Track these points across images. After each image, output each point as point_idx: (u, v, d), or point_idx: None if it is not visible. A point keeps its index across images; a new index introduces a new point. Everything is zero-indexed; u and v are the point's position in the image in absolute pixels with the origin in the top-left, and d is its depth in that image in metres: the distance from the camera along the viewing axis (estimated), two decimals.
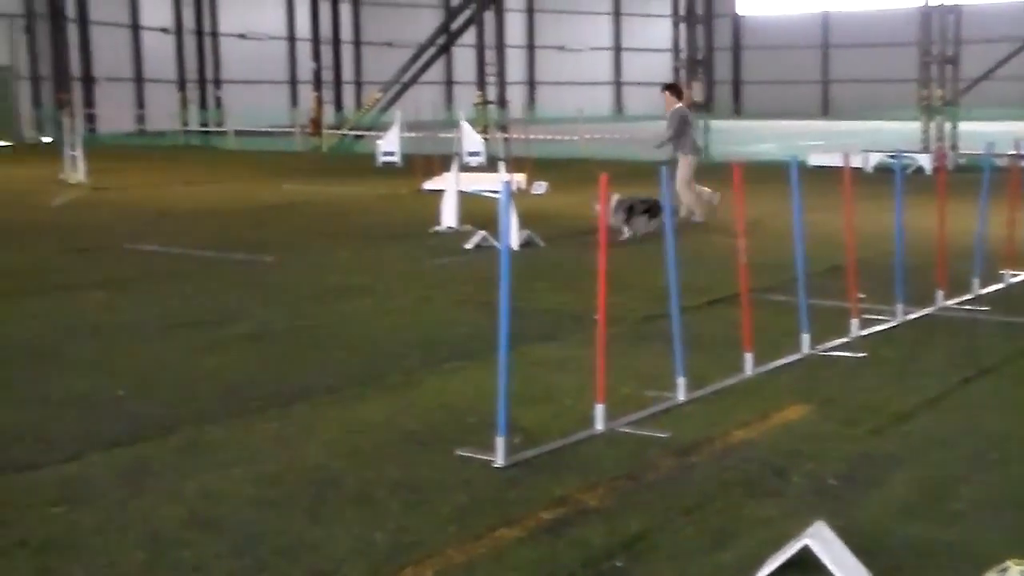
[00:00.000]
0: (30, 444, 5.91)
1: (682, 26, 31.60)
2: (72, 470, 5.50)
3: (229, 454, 5.74)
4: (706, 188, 16.03)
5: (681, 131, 15.96)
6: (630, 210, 13.85)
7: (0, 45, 42.89)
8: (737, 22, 71.22)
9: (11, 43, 43.20)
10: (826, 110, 66.47)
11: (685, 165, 15.77)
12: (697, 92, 31.45)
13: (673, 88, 16.70)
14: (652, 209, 13.76)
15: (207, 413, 6.46)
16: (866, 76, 64.27)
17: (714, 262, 11.65)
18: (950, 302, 9.55)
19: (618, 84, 69.58)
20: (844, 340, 8.21)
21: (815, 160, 25.49)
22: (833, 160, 23.98)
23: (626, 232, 13.77)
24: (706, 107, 33.44)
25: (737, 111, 66.88)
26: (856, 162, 23.32)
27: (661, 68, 59.74)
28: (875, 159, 25.34)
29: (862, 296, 8.84)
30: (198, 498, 5.13)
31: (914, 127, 30.08)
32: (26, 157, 32.55)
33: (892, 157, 24.55)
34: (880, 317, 8.91)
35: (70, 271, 11.84)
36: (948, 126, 27.21)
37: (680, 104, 16.19)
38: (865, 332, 8.44)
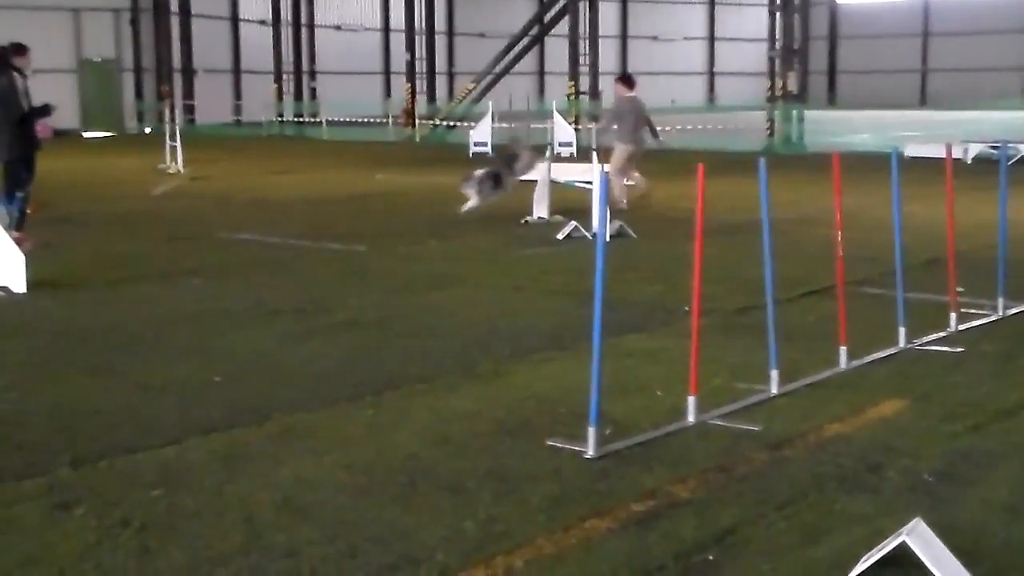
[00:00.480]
0: (131, 428, 6.05)
1: (777, 15, 31.12)
2: (170, 454, 5.62)
3: (322, 441, 5.82)
4: (638, 175, 16.98)
5: (617, 120, 16.92)
6: (493, 178, 15.31)
7: (106, 38, 43.95)
8: (834, 10, 70.06)
9: (117, 36, 44.24)
10: (924, 100, 65.12)
11: (619, 152, 16.66)
12: (792, 82, 31.03)
13: (625, 80, 17.64)
14: (496, 177, 15.40)
15: (300, 400, 6.56)
16: (966, 65, 62.80)
17: (810, 254, 11.50)
18: None
19: (711, 74, 68.91)
20: (942, 334, 8.04)
21: (912, 151, 25.00)
22: (931, 151, 23.47)
23: (471, 200, 15.22)
24: (800, 97, 32.99)
25: (832, 101, 65.84)
26: (956, 153, 22.87)
27: (755, 57, 58.91)
28: (975, 150, 24.77)
29: (961, 290, 8.65)
30: (292, 484, 5.20)
31: (1017, 117, 29.33)
32: (128, 148, 33.31)
33: (994, 147, 23.98)
34: (980, 312, 8.71)
35: (169, 259, 12.09)
36: None
37: (629, 94, 17.08)
38: (964, 326, 8.25)
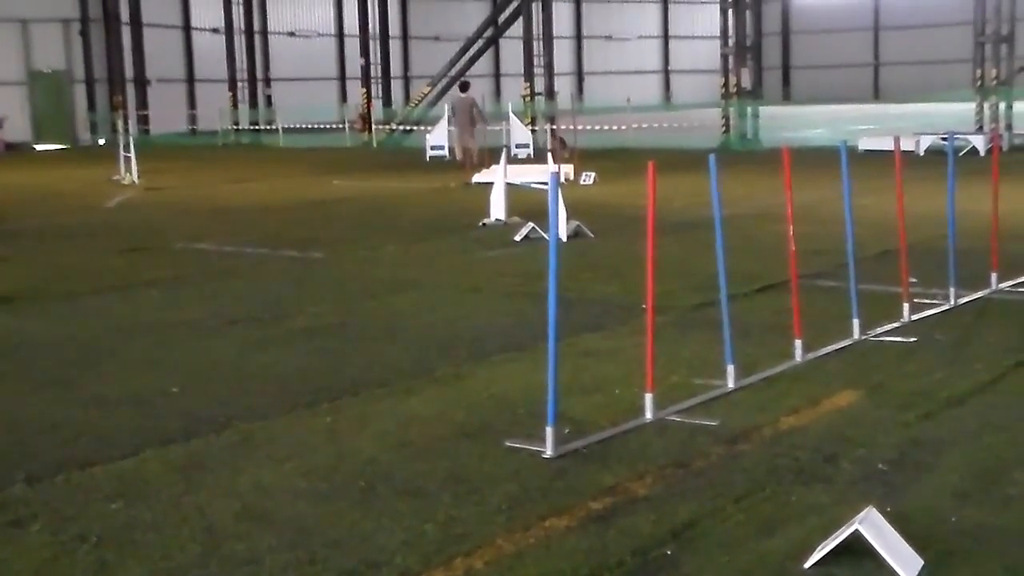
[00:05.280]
0: (87, 442, 6.01)
1: (730, 12, 31.27)
2: (128, 466, 5.59)
3: (281, 449, 5.81)
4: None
5: (466, 114, 25.88)
6: None
7: (55, 49, 43.51)
8: (786, 7, 70.63)
9: (67, 47, 43.83)
10: (877, 94, 65.75)
11: (462, 135, 25.95)
12: (746, 79, 31.23)
13: (464, 86, 27.86)
14: None
15: (259, 408, 6.54)
16: (918, 58, 63.57)
17: (764, 249, 11.59)
18: (1004, 285, 9.43)
19: (666, 72, 69.21)
20: (895, 325, 8.14)
21: (866, 144, 25.26)
22: (884, 144, 23.73)
23: None
24: (754, 93, 33.19)
25: (786, 97, 66.36)
26: (908, 145, 23.15)
27: (709, 55, 59.14)
28: (927, 142, 25.06)
29: (914, 280, 8.76)
30: (251, 492, 5.19)
31: (968, 108, 29.69)
32: (81, 159, 33.01)
33: (944, 139, 24.25)
34: (932, 301, 8.82)
35: (124, 271, 12.01)
36: (1003, 106, 26.83)
37: (463, 95, 26.72)
38: (917, 317, 8.36)
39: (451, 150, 27.10)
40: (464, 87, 27.68)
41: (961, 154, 22.09)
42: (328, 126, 40.25)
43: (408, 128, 37.58)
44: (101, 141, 41.39)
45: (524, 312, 9.03)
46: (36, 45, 42.92)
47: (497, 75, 58.31)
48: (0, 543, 4.69)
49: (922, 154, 24.26)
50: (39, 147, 40.09)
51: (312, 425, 6.22)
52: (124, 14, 43.70)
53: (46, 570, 4.43)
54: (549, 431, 5.57)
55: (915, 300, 8.53)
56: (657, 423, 6.06)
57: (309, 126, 39.65)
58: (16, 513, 5.00)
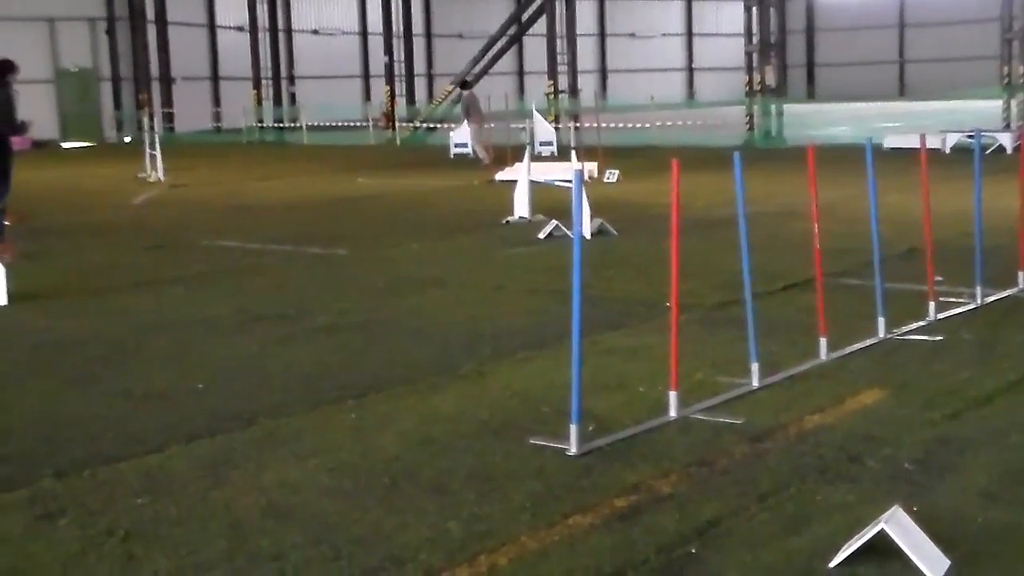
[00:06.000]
0: (114, 437, 6.05)
1: (754, 9, 31.16)
2: (154, 462, 5.63)
3: (306, 445, 5.83)
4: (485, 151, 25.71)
5: (469, 111, 27.14)
6: None
7: (82, 47, 43.79)
8: (810, 4, 70.31)
9: (93, 45, 44.09)
10: (902, 91, 65.38)
11: (474, 131, 26.81)
12: (770, 76, 31.12)
13: (464, 84, 29.79)
14: None
15: (284, 405, 6.57)
16: (944, 55, 63.15)
17: (788, 247, 11.55)
18: None
19: (690, 70, 69.04)
20: (921, 324, 8.09)
21: (891, 142, 25.13)
22: (910, 142, 23.60)
23: None
24: (778, 91, 33.09)
25: (811, 94, 66.08)
26: (934, 143, 23.00)
27: (733, 53, 59.04)
28: (953, 139, 24.88)
29: (940, 279, 8.71)
30: (276, 488, 5.22)
31: (994, 106, 29.50)
32: (108, 157, 33.22)
33: (971, 136, 24.09)
34: (959, 300, 8.77)
35: (150, 268, 12.07)
36: None
37: (466, 93, 28.09)
38: (943, 315, 8.31)
39: (473, 148, 27.21)
40: (465, 84, 29.79)
41: (988, 152, 21.96)
42: (352, 124, 40.36)
43: (432, 126, 37.64)
44: (127, 139, 41.65)
45: (548, 309, 9.03)
46: (63, 44, 43.20)
47: (521, 73, 58.33)
48: (30, 536, 4.74)
49: (948, 152, 24.10)
50: (66, 145, 40.34)
51: (337, 422, 6.24)
52: (150, 12, 43.95)
53: (74, 563, 4.47)
54: (573, 429, 5.57)
55: (941, 299, 8.49)
56: (681, 421, 6.06)
57: (333, 124, 39.76)
58: (45, 507, 5.05)
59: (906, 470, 5.27)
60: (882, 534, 4.20)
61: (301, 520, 4.84)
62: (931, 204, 8.43)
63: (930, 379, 6.81)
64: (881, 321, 7.77)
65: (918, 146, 8.62)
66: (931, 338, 7.76)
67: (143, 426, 6.25)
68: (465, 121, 27.84)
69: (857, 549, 4.23)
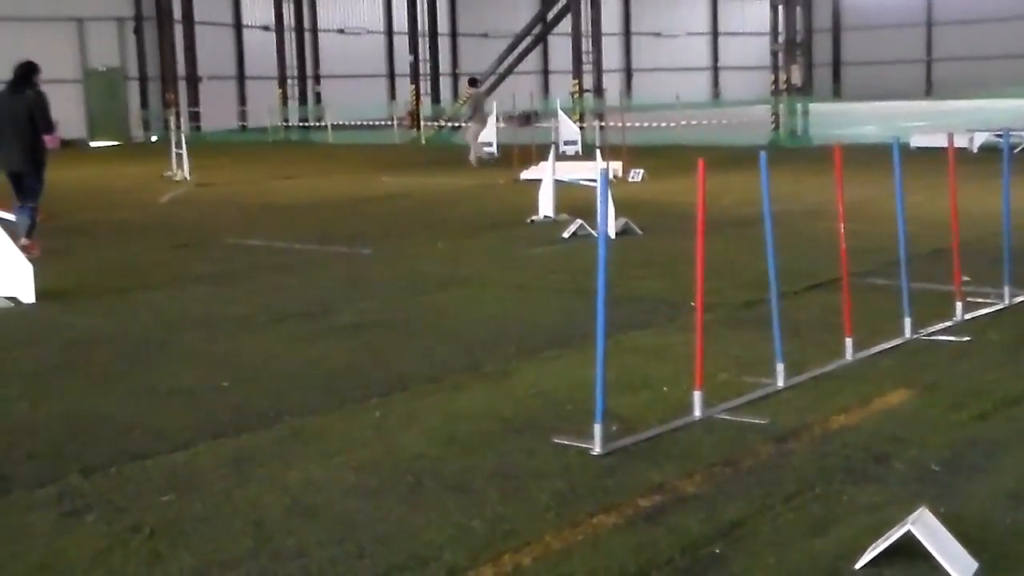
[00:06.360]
0: (140, 435, 6.08)
1: (780, 8, 31.03)
2: (179, 460, 5.66)
3: (330, 443, 5.85)
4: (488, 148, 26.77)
5: (475, 109, 27.71)
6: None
7: (110, 47, 44.04)
8: (837, 2, 69.94)
9: (121, 45, 44.35)
10: (929, 90, 64.97)
11: (475, 129, 27.09)
12: (796, 75, 30.99)
13: (472, 81, 30.15)
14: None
15: (309, 403, 6.59)
16: (971, 54, 62.67)
17: (813, 247, 11.50)
18: None
19: (715, 69, 68.83)
20: (948, 324, 8.04)
21: (918, 141, 24.96)
22: (936, 141, 23.44)
23: None
24: (804, 90, 32.93)
25: (837, 93, 65.73)
26: (961, 142, 22.83)
27: (759, 51, 58.84)
28: (981, 139, 24.71)
29: (967, 279, 8.65)
30: (300, 486, 5.23)
31: (1023, 105, 29.23)
32: (134, 156, 33.40)
33: (999, 135, 23.92)
34: (986, 301, 8.71)
35: (176, 266, 12.13)
36: None
37: (475, 91, 28.85)
38: (970, 316, 8.25)
39: (498, 146, 27.26)
40: (474, 82, 30.05)
41: (1016, 151, 21.80)
42: (377, 123, 40.42)
43: (457, 125, 37.66)
44: (154, 138, 41.85)
45: (572, 309, 9.02)
46: (91, 43, 43.45)
47: (546, 72, 58.31)
48: (57, 533, 4.77)
49: (976, 151, 23.93)
50: (93, 144, 40.60)
51: (361, 420, 6.25)
52: (177, 12, 44.13)
53: (101, 560, 4.49)
54: (597, 428, 5.57)
55: (968, 299, 8.43)
56: (706, 421, 6.04)
57: (358, 123, 39.85)
58: (72, 504, 5.08)
59: (933, 471, 5.23)
60: (909, 535, 4.18)
61: (325, 518, 4.85)
62: (958, 203, 8.37)
63: (957, 380, 6.76)
64: (907, 321, 7.72)
65: (945, 145, 8.57)
66: (958, 339, 7.71)
67: (169, 423, 6.28)
68: (470, 120, 27.98)
69: (883, 551, 4.20)
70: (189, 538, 4.68)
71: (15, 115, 12.62)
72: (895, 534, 4.21)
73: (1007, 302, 8.68)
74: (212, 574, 4.35)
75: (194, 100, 43.98)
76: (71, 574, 4.38)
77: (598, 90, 36.08)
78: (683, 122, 32.77)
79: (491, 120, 28.89)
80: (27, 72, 12.90)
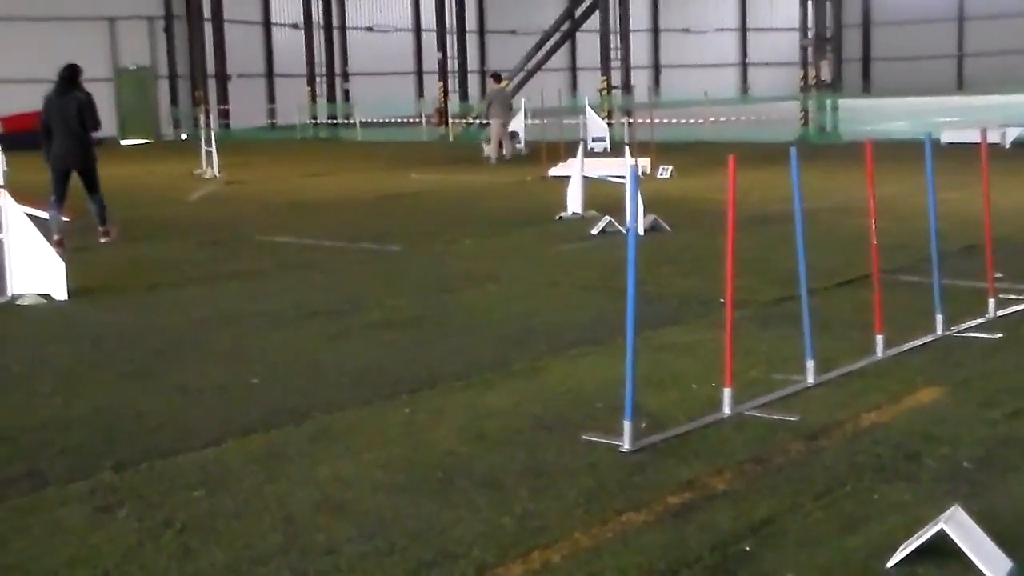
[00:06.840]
0: (171, 431, 6.12)
1: (810, 3, 30.87)
2: (210, 456, 5.68)
3: (360, 440, 5.86)
4: (517, 144, 27.40)
5: (492, 104, 27.08)
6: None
7: (141, 46, 44.35)
8: None
9: (151, 44, 44.64)
10: (960, 85, 64.50)
11: (495, 126, 26.62)
12: (825, 71, 30.82)
13: (495, 76, 28.95)
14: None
15: (338, 400, 6.61)
16: (1003, 48, 62.14)
17: (844, 243, 11.43)
18: None
19: (744, 65, 68.57)
20: (980, 321, 7.98)
21: (949, 137, 24.78)
22: (968, 137, 23.26)
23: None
24: (834, 86, 32.75)
25: (867, 89, 65.35)
26: (993, 138, 22.65)
27: (788, 47, 58.54)
28: (1013, 134, 24.51)
29: (999, 276, 8.58)
30: (330, 483, 5.25)
31: None
32: (165, 154, 33.61)
33: None
34: (1019, 297, 8.63)
35: (206, 263, 12.20)
36: None
37: (498, 86, 27.69)
38: (1002, 312, 8.18)
39: (527, 143, 27.30)
40: (497, 78, 29.12)
41: None
42: (405, 120, 40.50)
43: (485, 122, 37.65)
44: (183, 136, 42.11)
45: (601, 306, 9.01)
46: (122, 42, 43.77)
47: (574, 69, 58.27)
48: (90, 528, 4.80)
49: (1008, 147, 23.74)
50: (124, 142, 40.87)
51: (390, 417, 6.27)
52: (207, 10, 44.38)
53: (133, 555, 4.52)
54: (626, 425, 5.55)
55: (1001, 296, 8.36)
56: (735, 418, 6.01)
57: (386, 120, 39.94)
58: (104, 499, 5.11)
59: (965, 469, 5.19)
60: (941, 534, 4.14)
61: (355, 514, 4.86)
62: (990, 199, 8.30)
63: (989, 377, 6.71)
64: (939, 318, 7.67)
65: (977, 141, 8.50)
66: (990, 335, 7.65)
67: (199, 420, 6.31)
68: (502, 116, 27.43)
69: (915, 549, 4.17)
70: (220, 533, 4.70)
71: (66, 116, 13.11)
72: (927, 532, 4.18)
73: None
74: (243, 569, 4.37)
75: (223, 98, 44.21)
76: (103, 568, 4.41)
77: (626, 87, 35.99)
78: (711, 118, 32.68)
79: (519, 116, 28.92)
80: (73, 74, 13.49)
